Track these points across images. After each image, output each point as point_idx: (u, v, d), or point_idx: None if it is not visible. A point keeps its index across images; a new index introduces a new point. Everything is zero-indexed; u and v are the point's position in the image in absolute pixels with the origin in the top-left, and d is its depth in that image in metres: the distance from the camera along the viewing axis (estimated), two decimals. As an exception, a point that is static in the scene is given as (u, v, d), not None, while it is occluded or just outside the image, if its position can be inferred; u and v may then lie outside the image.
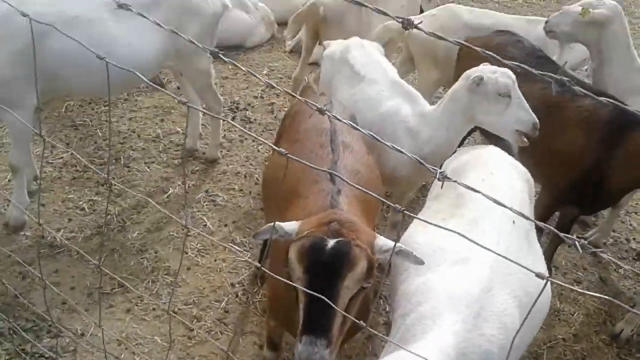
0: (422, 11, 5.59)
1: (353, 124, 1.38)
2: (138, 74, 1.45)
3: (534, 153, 3.16)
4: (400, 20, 1.14)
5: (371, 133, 1.38)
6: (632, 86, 3.87)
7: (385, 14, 1.27)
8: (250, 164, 4.63)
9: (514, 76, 2.91)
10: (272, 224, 1.81)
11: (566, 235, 1.09)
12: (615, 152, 3.10)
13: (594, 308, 3.75)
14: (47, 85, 3.36)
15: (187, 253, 3.69)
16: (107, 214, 3.87)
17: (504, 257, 1.25)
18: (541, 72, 1.09)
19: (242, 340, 3.23)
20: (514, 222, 2.25)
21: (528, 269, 1.05)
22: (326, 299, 1.56)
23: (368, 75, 3.50)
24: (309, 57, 5.09)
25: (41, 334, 3.10)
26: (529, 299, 1.99)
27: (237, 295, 3.48)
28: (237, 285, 3.55)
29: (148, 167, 4.45)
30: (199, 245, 3.78)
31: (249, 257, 3.70)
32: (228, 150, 4.76)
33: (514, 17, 4.57)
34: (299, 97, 1.56)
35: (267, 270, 1.69)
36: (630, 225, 4.63)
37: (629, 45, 3.90)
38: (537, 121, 2.88)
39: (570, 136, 3.27)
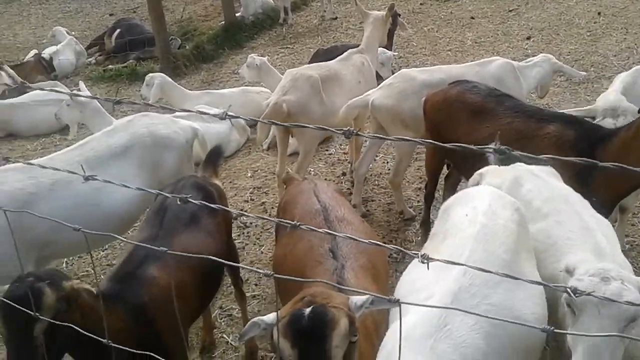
0: (378, 77, 5.83)
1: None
2: (115, 235, 1.54)
3: None
4: (342, 132, 1.24)
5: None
6: None
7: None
8: (257, 268, 4.65)
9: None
10: (253, 319, 1.91)
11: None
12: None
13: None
14: (40, 254, 3.41)
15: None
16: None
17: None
18: (480, 147, 1.18)
19: None
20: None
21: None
22: None
23: (552, 215, 2.74)
24: (286, 151, 5.24)
25: None
26: (499, 329, 2.09)
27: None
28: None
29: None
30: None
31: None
32: (232, 260, 4.79)
33: (465, 65, 4.78)
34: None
35: None
36: (643, 226, 4.62)
37: None
38: None
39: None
